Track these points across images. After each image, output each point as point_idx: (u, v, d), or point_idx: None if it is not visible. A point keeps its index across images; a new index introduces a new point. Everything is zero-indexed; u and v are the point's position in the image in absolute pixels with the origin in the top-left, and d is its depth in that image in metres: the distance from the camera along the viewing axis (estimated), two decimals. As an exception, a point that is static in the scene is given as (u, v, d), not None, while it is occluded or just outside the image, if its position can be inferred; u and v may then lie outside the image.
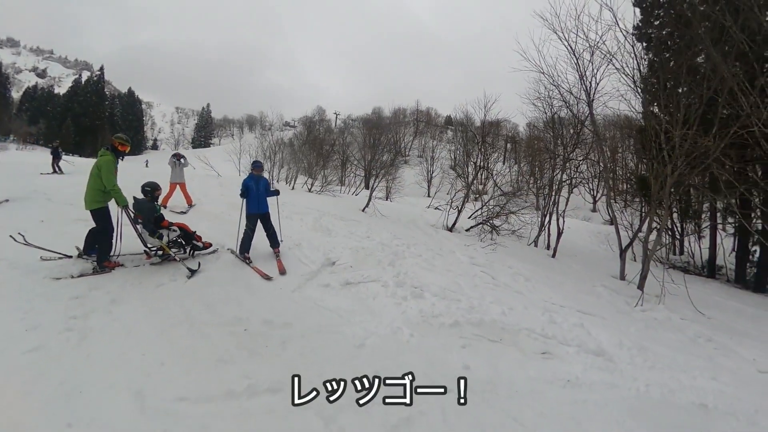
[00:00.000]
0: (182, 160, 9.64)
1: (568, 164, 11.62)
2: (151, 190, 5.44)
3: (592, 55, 9.29)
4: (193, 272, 4.97)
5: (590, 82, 9.55)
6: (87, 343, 3.20)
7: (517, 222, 11.66)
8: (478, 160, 14.76)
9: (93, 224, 4.98)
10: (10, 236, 4.68)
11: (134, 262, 5.22)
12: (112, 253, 4.99)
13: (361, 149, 35.87)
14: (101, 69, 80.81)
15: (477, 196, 14.21)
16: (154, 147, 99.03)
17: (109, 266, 4.86)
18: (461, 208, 12.01)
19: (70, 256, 4.92)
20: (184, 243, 5.54)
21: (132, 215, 5.20)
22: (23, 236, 4.76)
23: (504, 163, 32.32)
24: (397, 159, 32.85)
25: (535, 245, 11.29)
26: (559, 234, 10.81)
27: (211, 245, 5.80)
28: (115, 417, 2.47)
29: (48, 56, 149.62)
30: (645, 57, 10.38)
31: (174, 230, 5.46)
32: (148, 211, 5.30)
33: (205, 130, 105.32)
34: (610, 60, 9.14)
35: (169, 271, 4.96)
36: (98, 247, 4.92)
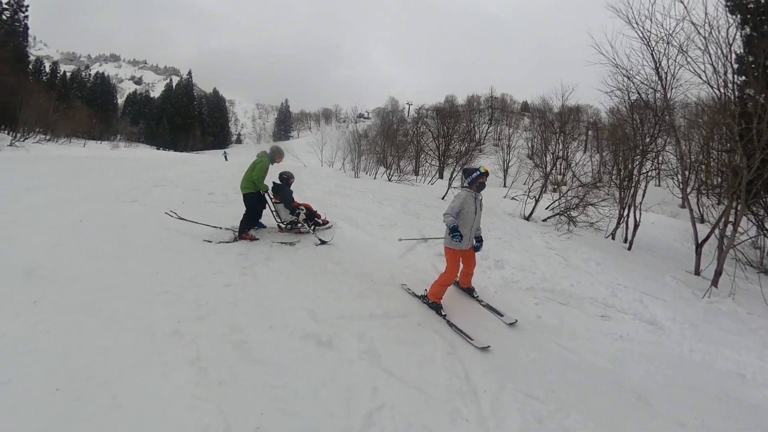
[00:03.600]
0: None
1: (648, 155, 11.48)
2: (287, 177, 6.73)
3: (668, 44, 9.19)
4: (323, 242, 6.13)
5: (666, 72, 9.53)
6: (260, 283, 4.42)
7: (596, 214, 11.74)
8: (556, 150, 15.07)
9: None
10: (166, 213, 6.25)
11: (265, 236, 6.41)
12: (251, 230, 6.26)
13: (435, 139, 36.38)
14: (189, 73, 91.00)
15: (555, 187, 14.33)
16: (238, 141, 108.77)
17: (246, 237, 5.98)
18: (538, 198, 12.41)
19: (220, 227, 6.17)
20: (307, 219, 6.66)
21: (271, 197, 6.55)
22: (176, 213, 6.31)
23: (585, 152, 31.22)
24: (472, 148, 33.26)
25: (612, 238, 11.36)
26: (636, 227, 10.83)
27: (328, 222, 6.98)
28: (301, 323, 3.57)
29: (142, 66, 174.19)
30: (738, 29, 9.33)
31: (301, 209, 6.58)
32: (286, 194, 6.56)
33: (285, 124, 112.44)
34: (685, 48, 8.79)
35: (300, 241, 6.29)
36: (241, 221, 6.09)
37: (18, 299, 3.20)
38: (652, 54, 9.73)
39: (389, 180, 18.99)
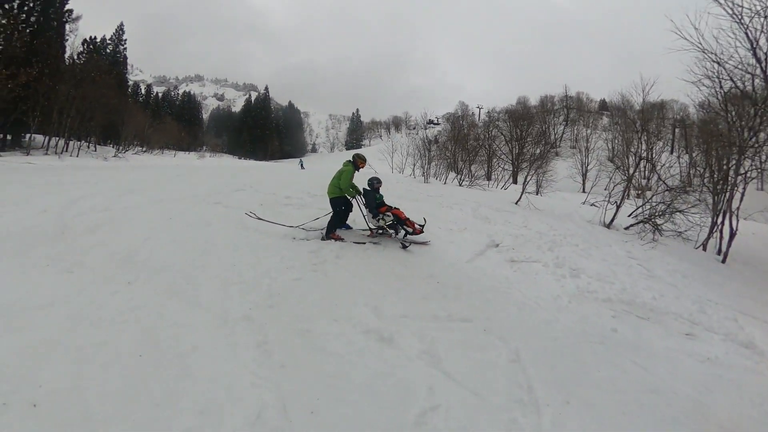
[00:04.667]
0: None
1: (747, 152, 10.09)
2: (372, 183, 7.00)
3: (766, 18, 8.10)
4: (405, 247, 6.33)
5: (765, 53, 8.43)
6: (329, 279, 4.65)
7: (685, 222, 10.61)
8: (639, 150, 14.07)
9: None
10: (246, 214, 6.79)
11: (353, 238, 6.66)
12: (337, 230, 6.66)
13: (507, 142, 35.39)
14: (266, 88, 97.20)
15: (639, 192, 13.32)
16: (313, 150, 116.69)
17: (333, 237, 6.42)
18: (620, 203, 11.63)
19: (293, 226, 6.55)
20: (396, 225, 6.69)
21: (363, 202, 6.91)
22: (255, 213, 6.81)
23: (672, 153, 28.58)
24: (547, 150, 31.96)
25: (704, 249, 10.27)
26: (732, 236, 9.73)
27: (421, 232, 6.74)
28: (365, 318, 3.71)
29: (223, 83, 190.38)
30: None
31: (388, 215, 6.70)
32: (370, 200, 6.81)
33: (356, 133, 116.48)
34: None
35: (380, 243, 6.47)
36: (329, 222, 6.56)
37: (116, 280, 3.69)
38: (746, 33, 8.67)
39: (460, 185, 18.85)
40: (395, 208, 6.96)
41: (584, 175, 43.51)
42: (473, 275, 5.55)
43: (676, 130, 41.05)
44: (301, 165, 38.63)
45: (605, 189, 14.79)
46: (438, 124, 74.67)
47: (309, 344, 3.13)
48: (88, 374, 2.41)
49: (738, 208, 10.07)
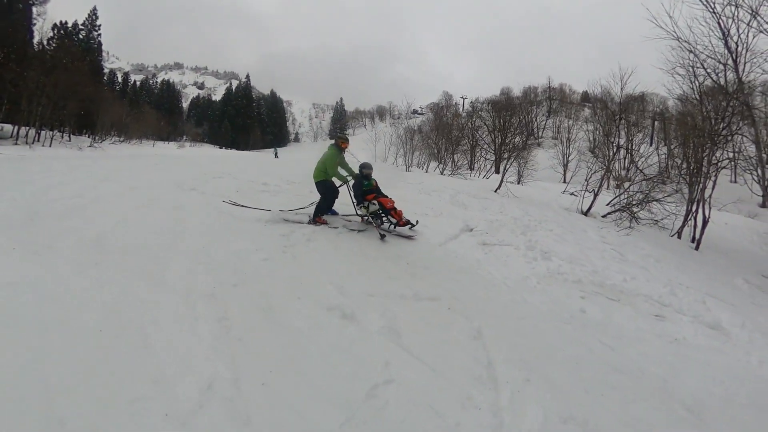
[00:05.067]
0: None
1: (718, 141, 10.40)
2: (362, 169, 6.93)
3: (737, 7, 8.30)
4: (382, 236, 6.06)
5: (737, 43, 8.72)
6: (297, 260, 4.64)
7: (661, 211, 10.89)
8: (616, 140, 14.30)
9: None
10: (223, 201, 6.79)
11: (340, 224, 6.58)
12: (324, 215, 6.63)
13: (490, 132, 35.67)
14: (247, 76, 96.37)
15: (619, 182, 13.57)
16: (296, 140, 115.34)
17: (319, 221, 6.42)
18: (597, 191, 11.88)
19: (269, 210, 6.50)
20: (381, 214, 6.58)
21: (351, 188, 6.86)
22: (230, 200, 6.81)
23: (651, 144, 29.16)
24: (529, 141, 32.17)
25: (678, 237, 10.61)
26: (704, 223, 10.01)
27: (408, 224, 6.54)
28: (329, 296, 3.71)
29: (204, 71, 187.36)
30: None
31: (374, 204, 6.57)
32: (357, 186, 6.76)
33: (340, 122, 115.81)
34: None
35: (348, 230, 6.40)
36: (316, 206, 6.56)
37: (83, 260, 3.66)
38: (718, 22, 8.93)
39: (441, 174, 18.94)
40: (384, 197, 6.81)
41: (565, 166, 44.07)
42: (444, 257, 5.61)
43: (656, 123, 41.85)
44: (276, 154, 38.47)
45: (586, 179, 15.00)
46: (422, 113, 74.65)
47: (269, 320, 3.15)
48: (49, 348, 2.43)
49: (710, 197, 10.32)
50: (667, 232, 10.65)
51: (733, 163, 11.40)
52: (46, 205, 5.40)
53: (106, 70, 62.05)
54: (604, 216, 11.03)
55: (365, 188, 6.83)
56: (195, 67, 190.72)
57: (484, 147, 33.74)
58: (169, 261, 3.90)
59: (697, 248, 9.74)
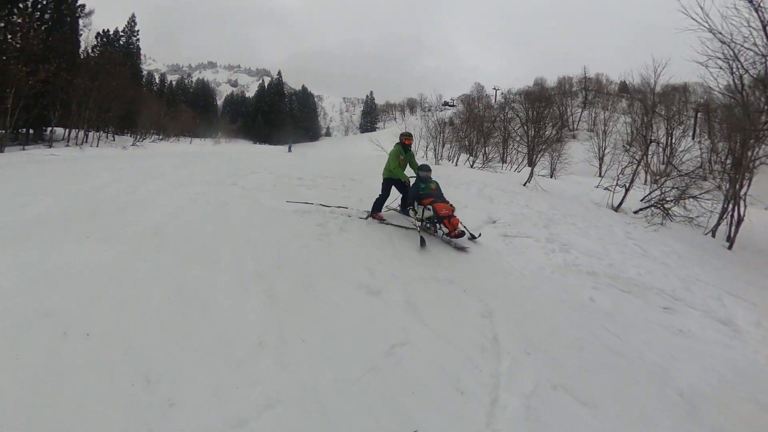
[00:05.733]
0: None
1: (760, 135, 10.05)
2: (420, 171, 6.66)
3: None
4: (422, 243, 5.74)
5: None
6: (333, 247, 5.13)
7: (698, 209, 10.63)
8: (649, 133, 14.15)
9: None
10: (287, 201, 6.87)
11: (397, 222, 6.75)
12: (381, 211, 6.74)
13: (523, 124, 35.34)
14: (279, 73, 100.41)
15: (657, 178, 13.34)
16: (328, 134, 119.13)
17: (375, 217, 6.62)
18: (629, 186, 11.86)
19: (312, 203, 6.85)
20: (435, 222, 6.29)
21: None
22: (293, 201, 6.89)
23: (693, 138, 28.11)
24: (563, 133, 31.65)
25: (713, 236, 10.36)
26: (739, 222, 9.85)
27: (461, 235, 5.99)
28: (360, 277, 4.23)
29: (236, 69, 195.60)
30: None
31: (428, 209, 6.22)
32: (413, 188, 6.53)
33: (370, 116, 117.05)
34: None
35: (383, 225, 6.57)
36: (374, 202, 6.70)
37: (146, 248, 4.28)
38: (756, 11, 8.69)
39: (471, 167, 19.08)
40: (443, 202, 6.34)
41: (601, 159, 42.98)
42: (469, 247, 6.00)
43: (699, 115, 40.16)
44: (289, 148, 38.86)
45: (620, 173, 14.78)
46: (453, 105, 74.19)
47: (309, 295, 3.74)
48: (128, 317, 3.03)
49: (746, 195, 10.09)
50: (701, 231, 10.45)
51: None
52: (104, 201, 6.12)
53: (144, 73, 65.08)
54: (635, 212, 10.98)
55: (422, 191, 6.49)
56: (228, 66, 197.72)
57: (517, 139, 33.48)
58: (219, 248, 4.49)
59: (730, 247, 9.52)
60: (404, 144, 6.80)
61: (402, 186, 6.84)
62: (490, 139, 27.48)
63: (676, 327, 4.69)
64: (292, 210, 6.45)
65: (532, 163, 30.92)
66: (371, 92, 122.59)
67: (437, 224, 6.32)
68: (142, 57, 60.12)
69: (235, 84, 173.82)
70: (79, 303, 3.06)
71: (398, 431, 2.40)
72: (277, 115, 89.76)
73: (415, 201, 6.54)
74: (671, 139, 27.30)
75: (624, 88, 47.27)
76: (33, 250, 3.93)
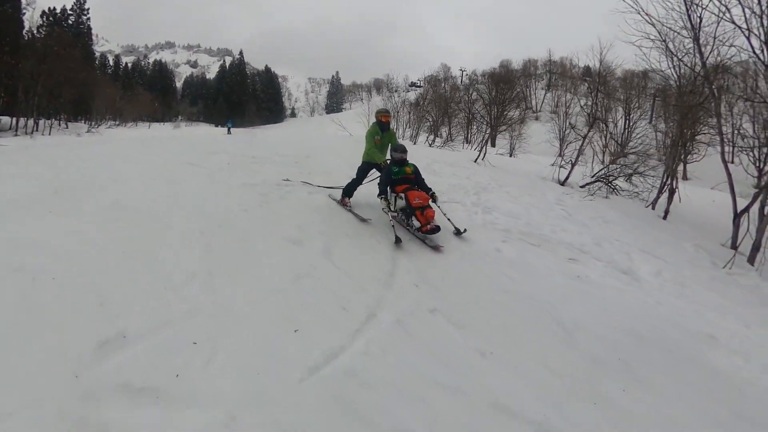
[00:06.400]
0: None
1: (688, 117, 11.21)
2: (394, 153, 6.05)
3: None
4: (396, 241, 5.17)
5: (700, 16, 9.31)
6: (271, 212, 5.67)
7: (643, 185, 11.69)
8: (593, 111, 15.19)
9: None
10: (283, 179, 7.37)
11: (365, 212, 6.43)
12: (351, 197, 6.42)
13: (486, 105, 36.29)
14: (240, 53, 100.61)
15: (614, 158, 14.42)
16: (293, 115, 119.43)
17: (343, 203, 6.34)
18: (575, 161, 12.90)
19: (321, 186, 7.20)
20: (408, 212, 5.72)
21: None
22: (288, 179, 7.36)
23: (651, 122, 30.02)
24: (526, 114, 32.78)
25: (653, 208, 11.26)
26: (671, 194, 10.95)
27: (436, 230, 5.34)
28: (290, 233, 4.92)
29: (196, 50, 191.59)
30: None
31: (401, 198, 5.68)
32: (385, 173, 5.90)
33: (336, 97, 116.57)
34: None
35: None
36: (345, 186, 6.43)
37: (105, 217, 4.77)
38: None
39: (430, 146, 19.79)
40: (418, 190, 5.76)
41: (562, 140, 44.46)
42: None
43: (657, 100, 42.09)
44: (228, 130, 38.27)
45: (564, 149, 15.75)
46: (420, 86, 74.75)
47: (240, 245, 4.46)
48: (87, 265, 3.62)
49: (677, 168, 11.37)
50: (644, 204, 11.40)
51: (731, 143, 11.83)
52: (66, 182, 6.43)
53: (97, 54, 62.95)
54: (582, 186, 11.81)
55: (396, 176, 5.84)
56: (187, 46, 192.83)
57: (480, 120, 34.47)
58: (171, 216, 5.07)
59: (665, 217, 10.46)
60: (381, 122, 6.32)
61: (367, 170, 6.44)
62: (454, 120, 28.34)
63: (575, 274, 5.22)
64: (241, 183, 6.98)
65: (486, 143, 32.04)
66: (337, 72, 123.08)
67: (411, 216, 5.71)
68: (94, 38, 58.13)
69: (195, 65, 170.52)
70: (45, 259, 3.60)
71: (284, 330, 3.15)
72: (240, 96, 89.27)
73: (388, 188, 5.82)
74: (629, 122, 29.78)
75: (588, 72, 48.90)
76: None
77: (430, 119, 25.85)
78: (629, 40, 11.20)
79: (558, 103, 60.69)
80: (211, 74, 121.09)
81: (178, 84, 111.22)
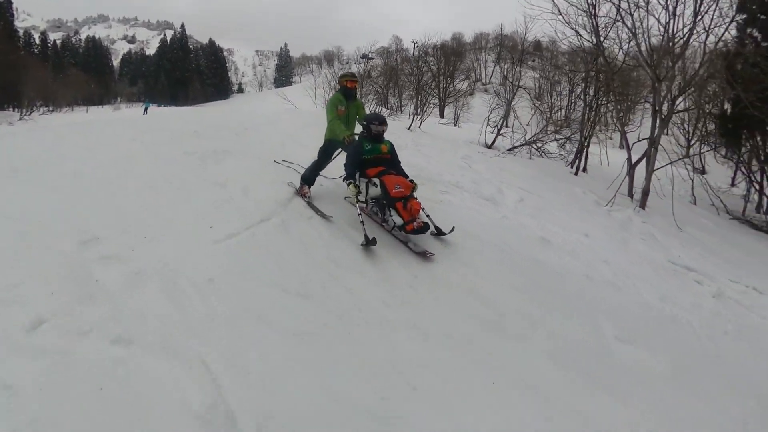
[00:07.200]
0: None
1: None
2: (369, 123, 5.02)
3: None
4: (367, 243, 4.28)
5: None
6: (205, 170, 6.64)
7: (569, 149, 13.28)
8: (512, 78, 17.03)
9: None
10: (274, 161, 7.34)
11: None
12: (312, 184, 5.75)
13: (435, 77, 37.89)
14: (182, 26, 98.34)
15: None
16: (240, 90, 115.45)
17: (302, 192, 5.62)
18: (500, 126, 14.51)
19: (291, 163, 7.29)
20: (384, 204, 4.73)
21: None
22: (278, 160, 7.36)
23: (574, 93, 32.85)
24: (475, 86, 34.65)
25: (572, 168, 12.32)
26: (578, 153, 12.42)
27: (425, 229, 4.47)
28: (214, 180, 6.14)
29: (134, 23, 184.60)
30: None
31: (374, 185, 4.72)
32: (353, 150, 4.89)
33: (285, 70, 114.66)
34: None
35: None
36: (304, 172, 5.75)
37: (65, 182, 5.67)
38: None
39: (376, 116, 20.97)
40: (397, 175, 4.84)
41: (491, 109, 46.98)
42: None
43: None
44: (145, 110, 37.80)
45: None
46: (372, 58, 75.46)
47: (174, 188, 5.61)
48: (58, 212, 4.93)
49: (585, 132, 12.72)
50: (563, 163, 12.79)
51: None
52: (24, 163, 6.91)
53: (20, 32, 59.78)
54: (508, 150, 12.93)
55: (367, 155, 4.88)
56: (123, 19, 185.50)
57: (429, 92, 36.01)
58: (125, 179, 6.02)
59: (576, 173, 11.81)
60: (345, 88, 5.41)
61: (332, 150, 5.69)
62: (404, 93, 29.77)
63: (439, 199, 6.14)
64: (183, 152, 7.94)
65: (443, 115, 33.79)
66: (285, 44, 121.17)
67: (388, 209, 4.71)
68: (14, 11, 54.79)
69: (132, 40, 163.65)
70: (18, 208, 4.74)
71: (204, 226, 4.69)
72: (182, 73, 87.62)
73: (356, 171, 4.89)
74: (573, 95, 33.82)
75: (539, 46, 51.19)
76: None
77: (379, 89, 27.02)
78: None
79: (507, 75, 63.11)
80: (151, 50, 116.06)
81: (116, 62, 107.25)
